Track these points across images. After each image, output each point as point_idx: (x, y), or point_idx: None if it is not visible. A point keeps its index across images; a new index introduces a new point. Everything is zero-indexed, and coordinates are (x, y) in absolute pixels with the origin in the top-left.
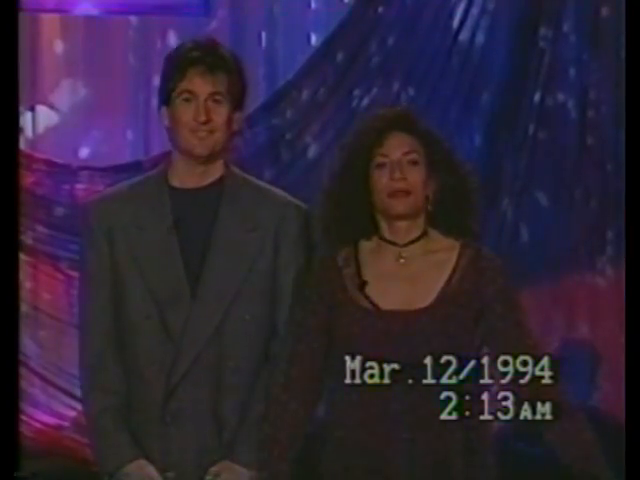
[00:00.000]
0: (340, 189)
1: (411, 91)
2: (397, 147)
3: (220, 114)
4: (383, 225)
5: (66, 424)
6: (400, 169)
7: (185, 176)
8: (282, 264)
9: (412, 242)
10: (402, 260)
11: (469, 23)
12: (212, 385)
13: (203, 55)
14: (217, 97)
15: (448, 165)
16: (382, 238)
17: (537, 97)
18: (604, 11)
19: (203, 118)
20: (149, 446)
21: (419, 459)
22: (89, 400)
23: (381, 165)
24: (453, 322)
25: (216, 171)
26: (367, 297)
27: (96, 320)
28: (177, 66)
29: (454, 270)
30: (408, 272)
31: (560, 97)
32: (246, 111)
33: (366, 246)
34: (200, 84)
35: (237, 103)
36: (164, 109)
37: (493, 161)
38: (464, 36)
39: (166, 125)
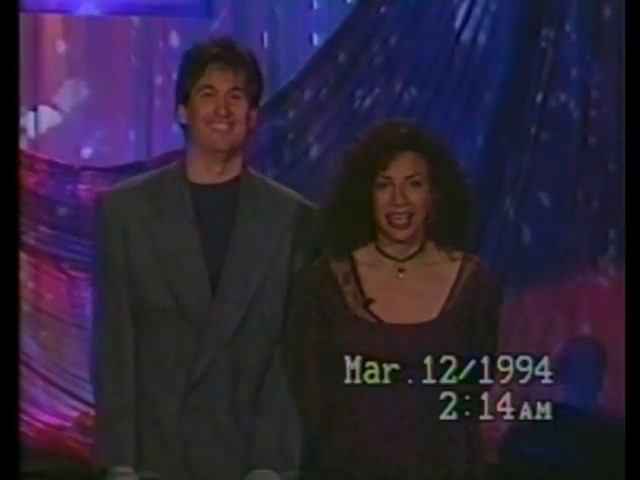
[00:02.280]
0: (343, 197)
1: (413, 91)
2: (400, 170)
3: (240, 108)
4: (382, 239)
5: (68, 424)
6: (402, 193)
7: (204, 172)
8: (297, 266)
9: (411, 257)
10: (401, 275)
11: (471, 23)
12: (231, 381)
13: (222, 51)
14: (236, 92)
15: (451, 177)
16: (380, 250)
17: (539, 97)
18: (606, 12)
19: (224, 111)
20: (167, 437)
21: (422, 461)
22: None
23: (383, 185)
24: (459, 335)
25: (234, 169)
26: (371, 312)
27: (113, 317)
28: (196, 63)
29: (456, 283)
30: (408, 285)
31: (562, 97)
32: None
33: (363, 259)
34: (220, 79)
35: (253, 100)
36: (181, 108)
37: (495, 161)
38: (466, 36)
39: (183, 123)
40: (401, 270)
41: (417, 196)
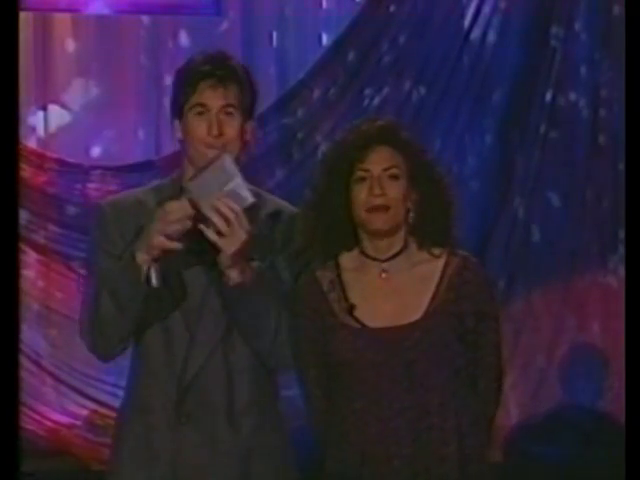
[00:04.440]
0: (322, 202)
1: (422, 90)
2: (378, 162)
3: (232, 127)
4: (364, 240)
5: (78, 423)
6: (380, 185)
7: None
8: (280, 270)
9: (394, 256)
10: (384, 275)
11: (480, 22)
12: (224, 385)
13: (213, 68)
14: (229, 109)
15: (429, 176)
16: (364, 253)
17: (548, 96)
18: (616, 10)
19: (216, 132)
20: (160, 446)
21: (409, 464)
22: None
23: (361, 179)
24: (446, 331)
25: None
26: (355, 318)
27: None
28: (188, 80)
29: (441, 280)
30: (393, 287)
31: (571, 96)
32: (257, 111)
33: (348, 265)
34: (212, 97)
35: (248, 113)
36: (177, 123)
37: (504, 160)
38: (475, 35)
39: (179, 138)
40: (384, 271)
41: (395, 190)
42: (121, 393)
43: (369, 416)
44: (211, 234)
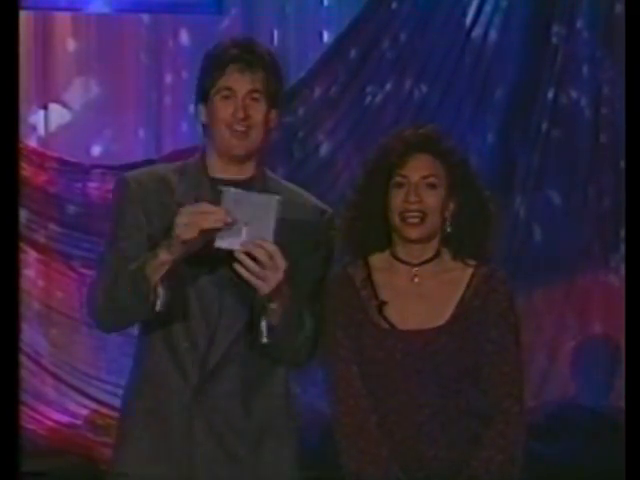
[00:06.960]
0: (361, 202)
1: (424, 88)
2: (417, 169)
3: (258, 111)
4: (397, 243)
5: (78, 422)
6: (416, 192)
7: (221, 169)
8: (302, 269)
9: (425, 262)
10: (416, 279)
11: (482, 20)
12: (242, 378)
13: (242, 52)
14: (255, 95)
15: (469, 187)
16: (395, 256)
17: (550, 94)
18: (617, 8)
19: (242, 115)
20: (173, 439)
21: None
22: None
23: (399, 185)
24: (470, 338)
25: (249, 169)
26: (385, 318)
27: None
28: (216, 63)
29: (467, 287)
30: (422, 291)
31: (573, 94)
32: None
33: (379, 265)
34: (239, 81)
35: (273, 101)
36: (201, 107)
37: (506, 159)
38: (477, 33)
39: (202, 122)
40: (416, 275)
41: (432, 198)
42: (122, 393)
43: (401, 419)
44: (245, 273)
